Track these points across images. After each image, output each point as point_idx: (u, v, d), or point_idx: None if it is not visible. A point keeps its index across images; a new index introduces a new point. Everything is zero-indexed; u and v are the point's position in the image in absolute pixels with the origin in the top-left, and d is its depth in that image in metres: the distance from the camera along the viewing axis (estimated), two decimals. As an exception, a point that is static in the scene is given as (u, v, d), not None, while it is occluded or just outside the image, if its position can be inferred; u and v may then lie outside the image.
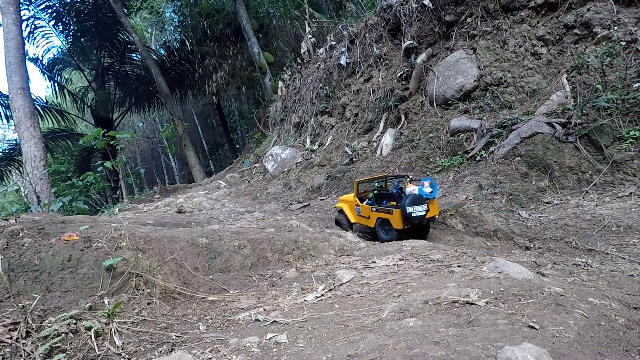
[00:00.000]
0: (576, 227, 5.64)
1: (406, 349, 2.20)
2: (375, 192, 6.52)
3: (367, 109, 13.22)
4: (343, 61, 14.43)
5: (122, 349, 2.82)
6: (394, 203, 6.29)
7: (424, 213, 5.57)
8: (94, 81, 24.36)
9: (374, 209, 6.20)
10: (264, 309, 3.61)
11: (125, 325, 3.12)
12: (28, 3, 19.69)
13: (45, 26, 21.63)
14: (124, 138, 13.16)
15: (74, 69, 24.85)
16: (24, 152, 10.84)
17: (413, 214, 5.53)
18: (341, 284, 4.24)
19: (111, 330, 2.97)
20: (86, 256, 3.70)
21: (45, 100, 22.79)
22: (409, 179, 6.40)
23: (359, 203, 6.62)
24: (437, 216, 5.98)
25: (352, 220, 6.88)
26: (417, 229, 5.98)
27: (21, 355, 2.53)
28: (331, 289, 4.08)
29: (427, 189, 5.50)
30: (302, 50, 18.22)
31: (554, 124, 7.48)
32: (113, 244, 3.99)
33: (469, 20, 10.69)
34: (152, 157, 40.94)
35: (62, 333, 2.77)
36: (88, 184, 10.36)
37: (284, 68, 19.84)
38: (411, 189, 5.97)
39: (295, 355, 2.46)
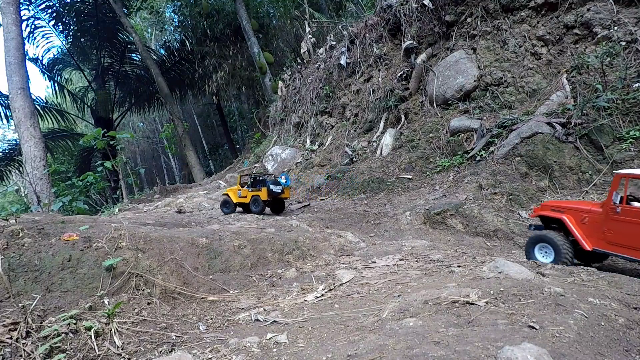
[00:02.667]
0: (576, 227, 5.63)
1: (406, 349, 2.20)
2: (253, 178, 9.34)
3: (367, 109, 13.22)
4: (343, 61, 14.43)
5: (122, 349, 2.82)
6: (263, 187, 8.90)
7: (280, 191, 8.65)
8: (94, 81, 24.36)
9: (250, 190, 8.98)
10: (264, 309, 3.61)
11: (125, 325, 3.12)
12: (28, 3, 19.70)
13: (45, 26, 21.64)
14: (124, 138, 13.15)
15: (74, 69, 24.84)
16: (24, 152, 10.84)
17: (274, 190, 8.55)
18: (341, 284, 4.24)
19: (111, 330, 2.97)
20: (86, 256, 3.70)
21: (45, 100, 22.79)
22: (272, 175, 9.68)
23: (241, 188, 9.26)
24: (288, 198, 8.92)
25: (234, 201, 9.36)
26: (276, 202, 8.91)
27: (21, 355, 2.53)
28: (331, 289, 4.08)
29: (283, 179, 8.72)
30: (302, 50, 18.23)
31: (554, 124, 7.48)
32: (113, 244, 3.99)
33: (469, 20, 10.69)
34: (152, 157, 40.92)
35: (62, 333, 2.77)
36: (88, 184, 10.36)
37: (284, 68, 19.84)
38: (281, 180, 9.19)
39: (295, 355, 2.46)
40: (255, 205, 8.82)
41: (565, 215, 4.78)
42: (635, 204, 4.34)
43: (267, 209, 9.24)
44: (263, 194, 8.60)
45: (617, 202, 4.20)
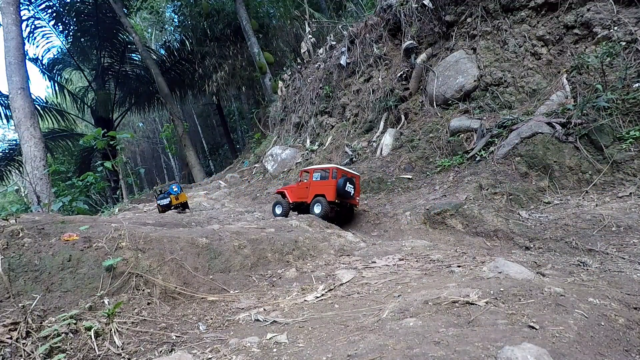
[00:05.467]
0: (576, 227, 5.64)
1: (406, 349, 2.20)
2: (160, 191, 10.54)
3: (367, 109, 13.22)
4: (343, 61, 14.43)
5: (122, 349, 2.82)
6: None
7: (178, 192, 9.40)
8: (94, 81, 24.36)
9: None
10: (264, 309, 3.61)
11: (125, 325, 3.13)
12: (28, 3, 19.70)
13: (45, 26, 21.64)
14: (124, 138, 13.17)
15: (74, 69, 24.84)
16: (24, 152, 10.84)
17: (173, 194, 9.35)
18: (341, 284, 4.24)
19: (111, 330, 2.97)
20: (86, 256, 3.70)
21: (45, 100, 22.79)
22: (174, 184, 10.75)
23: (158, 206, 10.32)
24: (186, 200, 9.50)
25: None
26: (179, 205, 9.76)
27: (21, 355, 2.53)
28: (331, 289, 4.08)
29: (174, 187, 9.40)
30: (302, 50, 18.22)
31: (554, 124, 7.48)
32: (113, 244, 3.99)
33: (469, 20, 10.69)
34: (152, 157, 40.94)
35: (62, 333, 2.77)
36: (88, 184, 10.37)
37: (284, 68, 19.84)
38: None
39: (295, 355, 2.46)
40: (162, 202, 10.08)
41: (285, 190, 8.74)
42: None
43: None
44: (172, 199, 9.78)
45: (301, 181, 8.68)
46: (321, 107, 15.50)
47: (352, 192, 7.70)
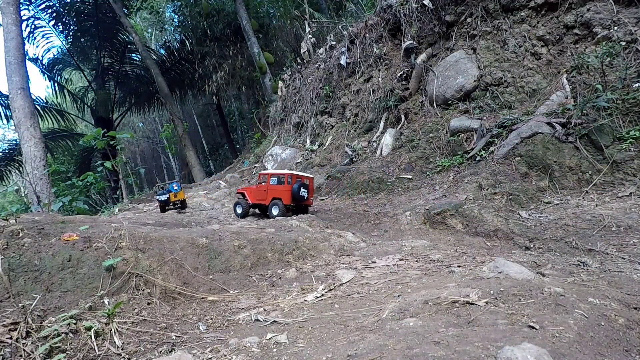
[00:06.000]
0: (576, 227, 5.64)
1: (406, 349, 2.20)
2: (162, 187, 11.69)
3: (367, 109, 13.22)
4: (343, 61, 14.43)
5: (122, 349, 2.82)
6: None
7: (177, 191, 10.07)
8: (94, 81, 24.35)
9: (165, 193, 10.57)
10: (264, 309, 3.61)
11: (125, 325, 3.13)
12: (28, 3, 19.69)
13: (45, 26, 21.63)
14: (124, 138, 13.17)
15: (74, 69, 24.84)
16: (24, 152, 10.85)
17: (172, 192, 10.02)
18: (341, 284, 4.24)
19: (111, 330, 2.97)
20: (86, 256, 3.70)
21: (45, 100, 22.79)
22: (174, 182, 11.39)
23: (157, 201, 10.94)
24: (184, 199, 10.18)
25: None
26: (177, 203, 10.25)
27: (21, 355, 2.53)
28: (331, 289, 4.08)
29: (174, 186, 10.03)
30: (302, 50, 18.22)
31: (554, 124, 7.48)
32: (113, 244, 3.99)
33: (469, 20, 10.69)
34: (152, 157, 40.94)
35: (62, 333, 2.77)
36: (88, 184, 10.38)
37: (284, 68, 19.84)
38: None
39: (295, 355, 2.46)
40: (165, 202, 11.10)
41: (245, 191, 9.19)
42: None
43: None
44: (171, 196, 10.59)
45: (260, 183, 8.95)
46: (321, 107, 15.50)
47: (306, 195, 8.46)
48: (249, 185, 10.19)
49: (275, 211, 8.28)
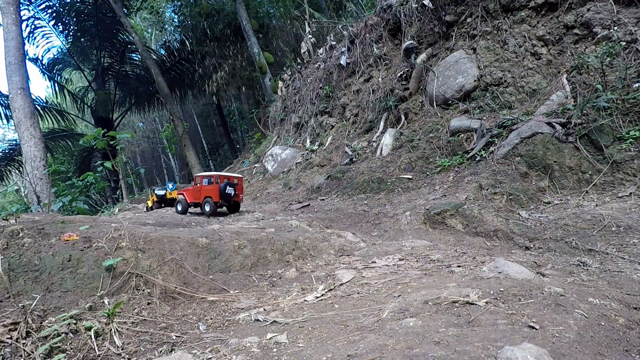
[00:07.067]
0: (576, 227, 5.64)
1: (406, 349, 2.20)
2: (156, 189, 12.20)
3: (367, 109, 13.22)
4: (343, 61, 14.43)
5: (122, 349, 2.82)
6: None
7: (172, 189, 11.48)
8: (94, 81, 24.36)
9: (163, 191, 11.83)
10: (264, 309, 3.61)
11: (125, 325, 3.13)
12: (28, 3, 19.70)
13: (45, 26, 21.64)
14: (124, 138, 13.17)
15: (74, 69, 24.85)
16: (24, 152, 10.85)
17: (168, 190, 11.47)
18: (341, 284, 4.24)
19: (111, 330, 2.97)
20: (86, 256, 3.70)
21: (45, 100, 22.80)
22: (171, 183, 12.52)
23: (154, 195, 11.73)
24: (176, 197, 10.63)
25: (150, 203, 11.80)
26: (169, 201, 11.39)
27: (21, 355, 2.53)
28: (331, 289, 4.08)
29: (170, 185, 11.33)
30: (302, 50, 18.23)
31: (554, 124, 7.48)
32: (113, 244, 3.99)
33: (469, 20, 10.69)
34: (152, 157, 40.96)
35: (62, 333, 2.77)
36: (88, 184, 10.38)
37: (284, 68, 19.83)
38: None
39: (295, 355, 2.46)
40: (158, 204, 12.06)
41: (184, 192, 9.94)
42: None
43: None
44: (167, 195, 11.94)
45: (195, 184, 9.85)
46: (321, 107, 15.50)
47: (233, 192, 9.59)
48: (187, 188, 11.21)
49: (207, 207, 9.37)
